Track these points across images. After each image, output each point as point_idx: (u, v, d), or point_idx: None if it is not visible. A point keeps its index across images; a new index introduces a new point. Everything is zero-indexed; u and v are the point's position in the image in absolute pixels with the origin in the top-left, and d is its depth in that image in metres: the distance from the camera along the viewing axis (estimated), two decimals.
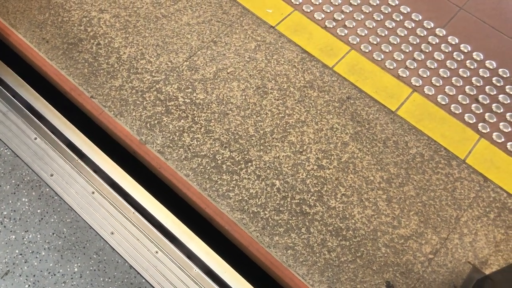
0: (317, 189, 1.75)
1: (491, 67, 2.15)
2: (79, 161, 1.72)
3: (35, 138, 1.75)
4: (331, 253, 1.64)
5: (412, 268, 1.64)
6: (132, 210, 1.64)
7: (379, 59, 2.10)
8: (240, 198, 1.71)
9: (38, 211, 1.60)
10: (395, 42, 2.16)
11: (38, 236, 1.56)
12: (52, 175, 1.68)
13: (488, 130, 1.96)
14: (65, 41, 1.98)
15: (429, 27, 2.24)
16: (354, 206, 1.73)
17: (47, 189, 1.65)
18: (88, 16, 2.06)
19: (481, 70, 2.13)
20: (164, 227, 1.63)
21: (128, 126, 1.80)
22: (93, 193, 1.65)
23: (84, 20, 2.05)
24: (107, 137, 1.82)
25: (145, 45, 2.01)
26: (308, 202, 1.72)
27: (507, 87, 2.09)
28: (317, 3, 2.24)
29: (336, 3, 2.26)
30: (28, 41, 1.96)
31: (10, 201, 1.61)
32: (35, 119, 1.80)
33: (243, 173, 1.76)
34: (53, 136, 1.76)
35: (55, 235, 1.57)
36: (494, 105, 2.03)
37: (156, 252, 1.57)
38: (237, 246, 1.66)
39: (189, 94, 1.91)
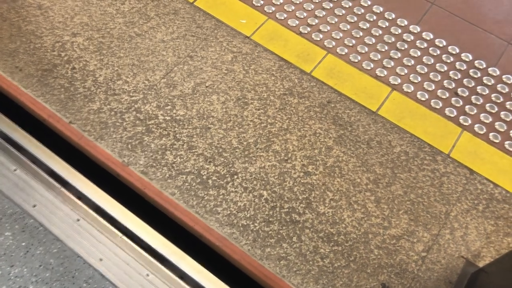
0: (305, 196, 1.74)
1: (467, 59, 2.16)
2: (62, 188, 1.69)
3: (15, 170, 1.71)
4: (324, 259, 1.63)
5: (406, 268, 1.63)
6: (120, 234, 1.61)
7: (356, 60, 2.11)
8: (229, 212, 1.69)
9: (23, 244, 1.57)
10: (371, 43, 2.17)
11: (25, 269, 1.52)
12: (35, 205, 1.64)
13: (470, 122, 1.97)
14: (39, 68, 1.96)
15: (403, 24, 2.26)
16: (343, 210, 1.73)
17: (31, 221, 1.62)
18: (60, 40, 2.04)
19: (457, 63, 2.15)
20: (153, 249, 1.60)
21: (110, 148, 1.78)
22: (78, 220, 1.62)
23: (57, 45, 2.03)
24: (89, 161, 1.79)
25: (121, 65, 1.99)
26: (297, 210, 1.71)
27: (484, 78, 2.11)
28: (290, 10, 2.24)
29: (309, 8, 2.26)
30: (0, 71, 1.93)
31: None
32: (14, 150, 1.76)
33: (230, 187, 1.74)
34: (33, 166, 1.73)
35: (42, 267, 1.53)
36: (473, 97, 2.05)
37: (147, 275, 1.55)
38: (229, 261, 1.65)
39: (169, 111, 1.89)
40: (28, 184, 1.68)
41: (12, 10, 2.10)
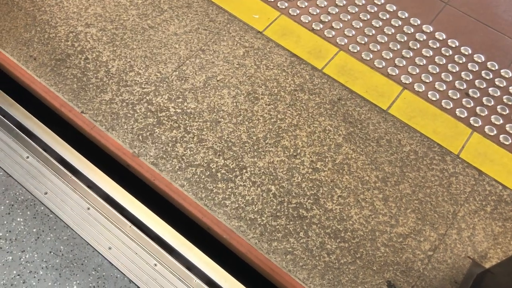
0: (313, 192, 1.75)
1: (479, 60, 2.16)
2: (73, 177, 1.71)
3: (27, 157, 1.74)
4: (330, 255, 1.64)
5: (412, 266, 1.64)
6: (129, 224, 1.63)
7: (368, 58, 2.11)
8: (237, 205, 1.70)
9: (34, 230, 1.59)
10: (383, 41, 2.17)
11: (35, 255, 1.54)
12: (46, 193, 1.66)
13: (480, 123, 1.97)
14: (52, 57, 1.98)
15: (416, 24, 2.25)
16: (351, 207, 1.73)
17: (42, 208, 1.64)
18: (74, 31, 2.06)
19: (469, 64, 2.14)
20: (162, 239, 1.62)
21: (120, 139, 1.79)
22: (88, 209, 1.64)
23: (71, 36, 2.04)
24: (100, 151, 1.81)
25: (133, 57, 2.00)
26: (305, 206, 1.72)
27: (496, 79, 2.10)
28: (303, 6, 2.25)
29: (322, 5, 2.26)
30: (15, 60, 1.95)
31: (5, 222, 1.60)
32: (26, 137, 1.78)
33: (238, 180, 1.75)
34: (45, 153, 1.75)
35: (52, 253, 1.55)
36: (484, 98, 2.04)
37: (155, 264, 1.56)
38: (236, 254, 1.66)
39: (180, 104, 1.90)
40: (39, 172, 1.70)
41: None
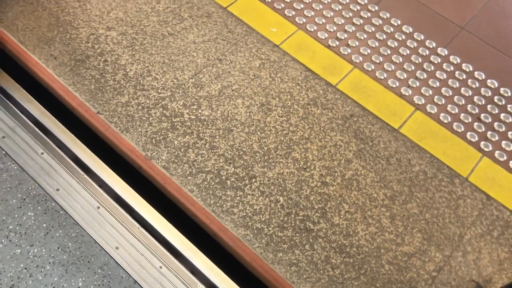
0: (321, 206, 1.76)
1: (492, 86, 2.17)
2: (85, 176, 1.73)
3: (42, 153, 1.77)
4: (335, 270, 1.64)
5: (415, 286, 1.64)
6: (137, 225, 1.65)
7: (382, 77, 2.13)
8: (244, 214, 1.72)
9: (44, 225, 1.61)
10: (398, 61, 2.19)
11: (43, 250, 1.56)
12: (58, 189, 1.69)
13: (491, 148, 1.98)
14: (72, 57, 2.02)
15: (431, 46, 2.28)
16: (358, 223, 1.74)
17: (53, 204, 1.66)
18: (95, 33, 2.10)
19: (482, 89, 2.16)
20: (169, 242, 1.64)
21: (134, 141, 1.82)
22: (98, 207, 1.67)
23: (92, 38, 2.09)
24: (113, 152, 1.84)
25: (152, 62, 2.04)
26: (312, 219, 1.73)
27: (508, 106, 2.12)
28: (321, 23, 2.28)
29: (339, 23, 2.30)
30: (36, 58, 1.99)
31: (16, 215, 1.62)
32: (42, 134, 1.82)
33: (247, 189, 1.77)
34: (59, 151, 1.78)
35: (60, 249, 1.57)
36: (496, 123, 2.05)
37: (161, 267, 1.58)
38: (240, 262, 1.67)
39: (194, 111, 1.93)
40: (53, 168, 1.73)
41: (53, 0, 2.18)
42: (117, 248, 1.59)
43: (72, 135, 1.84)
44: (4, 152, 1.75)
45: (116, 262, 1.57)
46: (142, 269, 1.56)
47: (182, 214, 1.74)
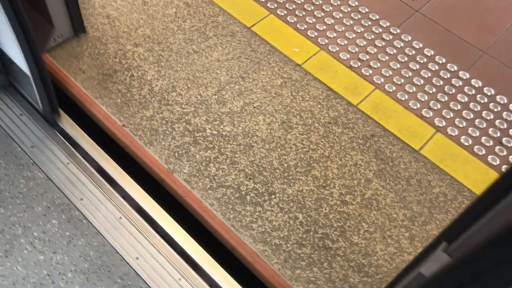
0: (340, 224, 1.76)
1: None
2: (109, 186, 1.77)
3: (68, 163, 1.81)
4: None
5: None
6: (158, 236, 1.67)
7: (403, 99, 2.15)
8: (263, 229, 1.73)
9: (67, 233, 1.65)
10: (419, 83, 2.21)
11: (66, 258, 1.59)
12: (82, 199, 1.73)
13: None
14: (100, 72, 2.08)
15: (452, 69, 2.29)
16: (377, 243, 1.74)
17: (77, 213, 1.70)
18: (123, 49, 2.17)
19: (504, 113, 2.15)
20: (188, 254, 1.65)
21: (157, 154, 1.86)
22: (120, 218, 1.70)
23: (119, 53, 2.15)
24: (137, 164, 1.88)
25: (177, 78, 2.09)
26: (330, 237, 1.73)
27: None
28: (343, 44, 2.32)
29: (361, 44, 2.33)
30: (65, 71, 2.06)
31: (41, 223, 1.66)
32: (69, 144, 1.87)
33: (267, 205, 1.79)
34: (85, 162, 1.83)
35: (82, 257, 1.60)
36: None
37: (180, 279, 1.59)
38: (258, 277, 1.67)
39: (216, 126, 1.97)
40: (78, 178, 1.78)
41: (83, 16, 2.25)
42: (137, 258, 1.61)
43: (98, 147, 1.88)
44: (32, 161, 1.80)
45: (136, 273, 1.59)
46: (162, 280, 1.58)
47: (201, 227, 1.76)
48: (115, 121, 1.94)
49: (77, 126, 1.93)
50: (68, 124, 1.93)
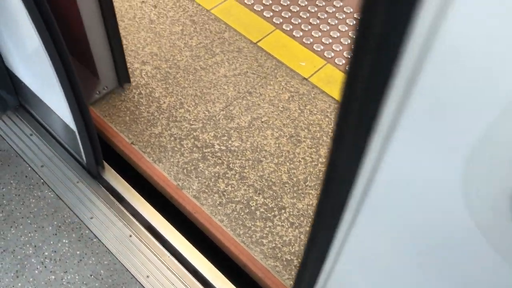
0: None
1: None
2: (119, 205, 1.78)
3: (78, 182, 1.82)
4: None
5: None
6: (168, 254, 1.67)
7: None
8: (274, 245, 1.72)
9: (78, 252, 1.65)
10: None
11: (77, 277, 1.59)
12: (92, 218, 1.73)
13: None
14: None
15: None
16: None
17: (87, 231, 1.70)
18: (131, 67, 2.19)
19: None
20: (198, 272, 1.64)
21: (166, 171, 1.86)
22: (130, 236, 1.70)
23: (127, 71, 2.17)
24: (146, 181, 1.88)
25: (184, 95, 2.11)
26: None
27: None
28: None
29: None
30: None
31: (52, 242, 1.67)
32: (78, 164, 1.88)
33: (277, 220, 1.78)
34: (94, 180, 1.83)
35: (92, 276, 1.60)
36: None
37: None
38: None
39: (224, 142, 1.97)
40: (87, 197, 1.78)
41: None
42: (148, 276, 1.61)
43: (107, 165, 1.89)
44: (42, 180, 1.81)
45: None
46: None
47: (211, 243, 1.75)
48: (123, 139, 1.95)
49: None
50: None
